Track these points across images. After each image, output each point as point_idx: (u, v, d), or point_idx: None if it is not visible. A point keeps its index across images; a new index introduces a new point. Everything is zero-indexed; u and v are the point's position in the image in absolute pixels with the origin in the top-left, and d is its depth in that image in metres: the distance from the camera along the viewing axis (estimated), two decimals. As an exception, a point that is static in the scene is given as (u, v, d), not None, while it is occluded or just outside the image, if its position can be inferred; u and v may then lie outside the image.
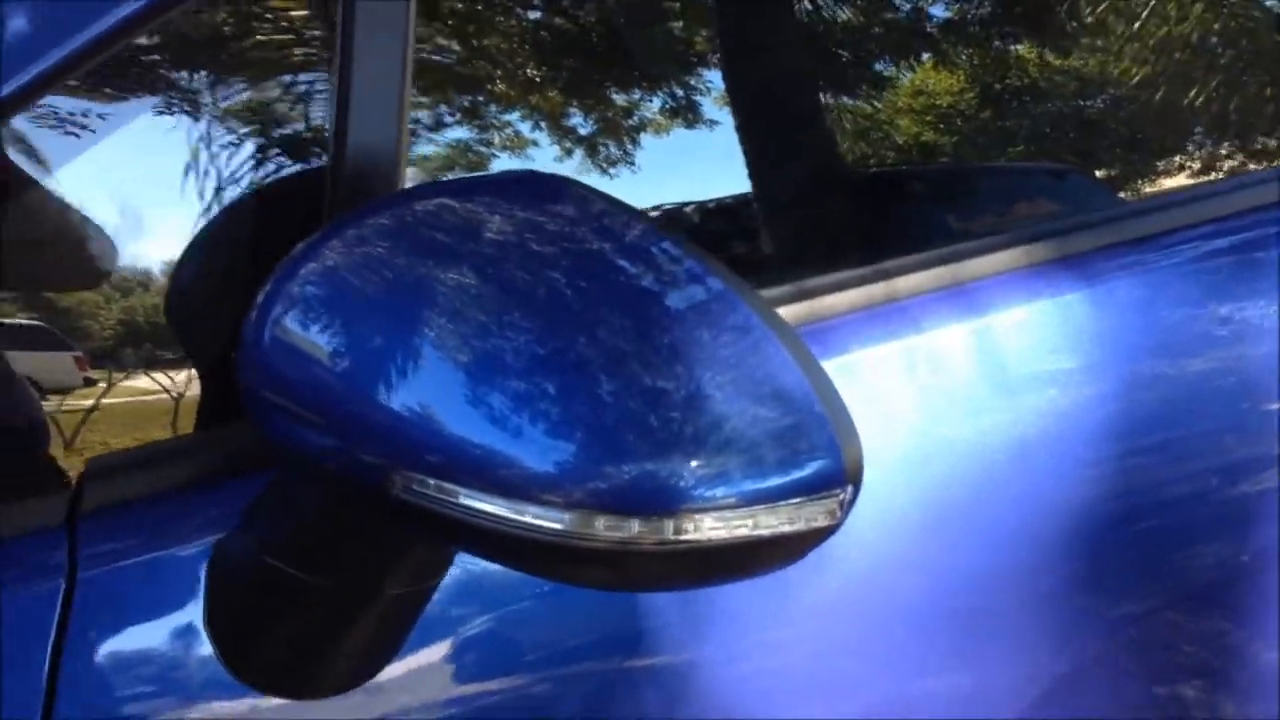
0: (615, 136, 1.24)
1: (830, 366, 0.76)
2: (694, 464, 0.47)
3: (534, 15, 1.23)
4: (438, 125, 1.17)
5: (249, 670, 0.66)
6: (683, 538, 0.48)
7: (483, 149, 1.19)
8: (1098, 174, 1.20)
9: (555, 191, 0.55)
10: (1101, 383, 0.87)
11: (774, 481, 0.49)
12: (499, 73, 1.19)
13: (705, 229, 1.10)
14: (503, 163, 1.22)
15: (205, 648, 0.67)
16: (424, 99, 1.14)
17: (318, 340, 0.52)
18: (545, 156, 1.22)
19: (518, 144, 1.22)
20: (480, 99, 1.19)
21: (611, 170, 1.25)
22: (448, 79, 1.17)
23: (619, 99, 1.24)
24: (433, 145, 1.16)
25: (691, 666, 0.74)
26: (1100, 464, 0.84)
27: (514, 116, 1.23)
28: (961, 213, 1.16)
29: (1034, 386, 0.86)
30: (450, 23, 1.17)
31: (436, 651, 0.71)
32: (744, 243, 1.12)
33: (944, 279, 0.88)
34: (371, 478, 0.51)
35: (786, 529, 0.49)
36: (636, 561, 0.49)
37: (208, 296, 0.82)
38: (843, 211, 1.13)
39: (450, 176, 1.21)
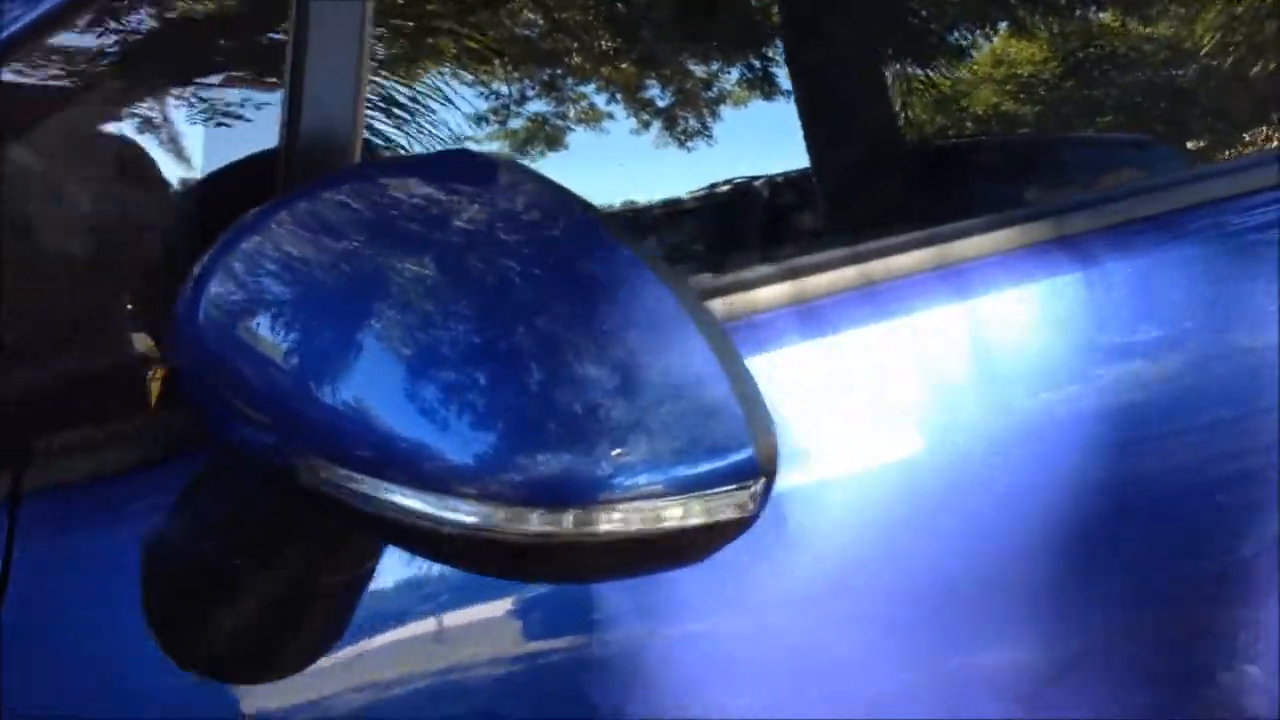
0: (694, 109, 1.24)
1: (815, 347, 0.76)
2: (601, 456, 0.47)
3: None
4: (522, 99, 1.18)
5: (188, 655, 0.64)
6: (586, 530, 0.47)
7: (559, 122, 1.21)
8: (1188, 144, 1.17)
9: (487, 173, 0.54)
10: (1094, 372, 0.85)
11: (684, 473, 0.48)
12: (575, 45, 1.20)
13: (776, 202, 1.10)
14: (579, 136, 1.23)
15: (145, 632, 0.64)
16: (512, 72, 1.15)
17: (244, 320, 0.51)
18: (621, 130, 1.23)
19: (593, 116, 1.23)
20: (558, 72, 1.20)
21: (689, 144, 1.26)
22: (529, 52, 1.18)
23: (698, 70, 1.24)
24: (518, 119, 1.17)
25: (651, 658, 0.72)
26: (1091, 457, 0.82)
27: (590, 89, 1.24)
28: (1042, 185, 1.14)
29: (1022, 375, 0.85)
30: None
31: (376, 643, 0.69)
32: (813, 216, 1.11)
33: (932, 260, 0.86)
34: (289, 468, 0.51)
35: (698, 521, 0.49)
36: (541, 554, 0.48)
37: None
38: (917, 184, 1.12)
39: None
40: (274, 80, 0.76)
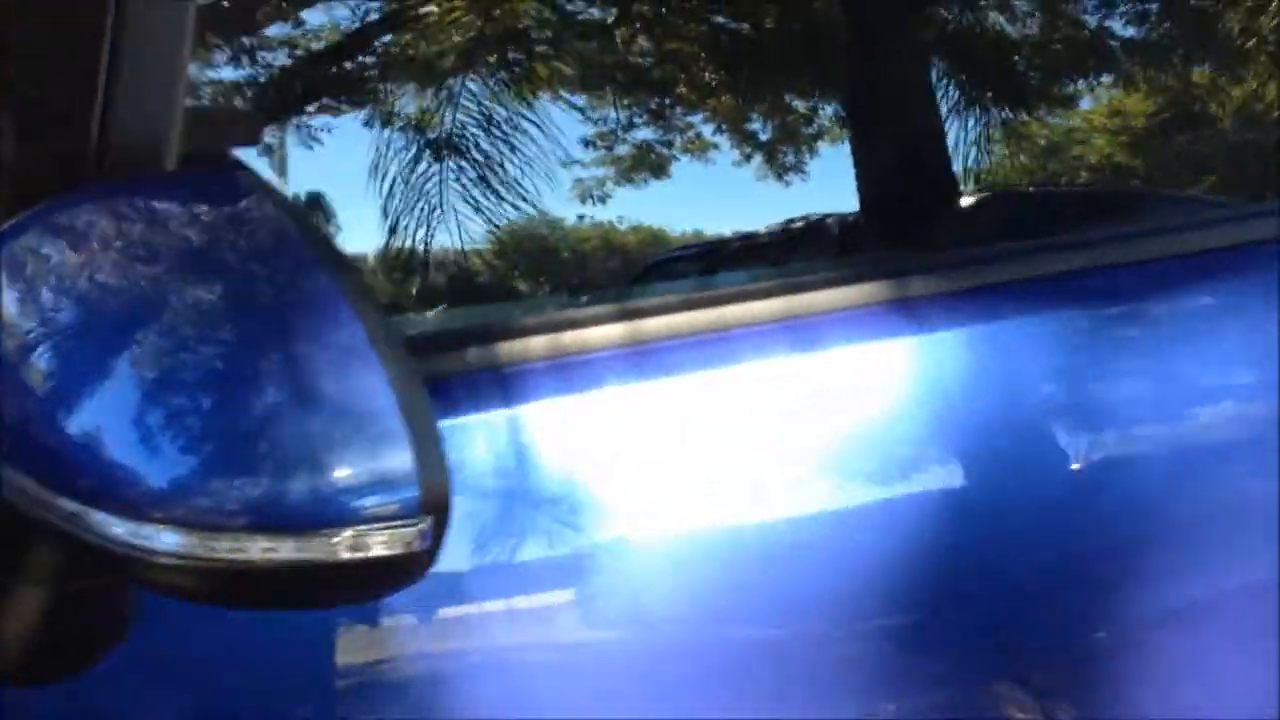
0: (793, 143, 1.26)
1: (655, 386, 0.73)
2: (263, 485, 0.47)
3: (718, 19, 1.26)
4: (629, 125, 1.22)
5: None
6: (239, 558, 0.47)
7: (664, 149, 1.24)
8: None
9: (230, 194, 0.53)
10: (938, 431, 0.80)
11: (350, 505, 0.48)
12: (683, 76, 1.24)
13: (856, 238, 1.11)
14: (682, 165, 1.27)
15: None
16: (622, 99, 1.19)
17: None
18: (725, 160, 1.26)
19: (699, 146, 1.27)
20: (667, 102, 1.23)
21: (787, 178, 1.28)
22: (639, 80, 1.21)
23: (799, 105, 1.26)
24: (624, 145, 1.21)
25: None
26: (923, 531, 0.78)
27: (696, 119, 1.27)
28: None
29: (862, 431, 0.79)
30: (639, 25, 1.22)
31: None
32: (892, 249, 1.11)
33: (783, 310, 0.81)
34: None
35: (364, 555, 0.49)
36: (201, 578, 0.48)
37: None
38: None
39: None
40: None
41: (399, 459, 0.49)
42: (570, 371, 0.75)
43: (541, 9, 1.16)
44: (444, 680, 0.68)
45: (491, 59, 1.09)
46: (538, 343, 0.75)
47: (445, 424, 0.62)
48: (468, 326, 0.82)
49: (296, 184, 1.04)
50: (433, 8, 1.05)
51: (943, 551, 0.77)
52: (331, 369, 0.49)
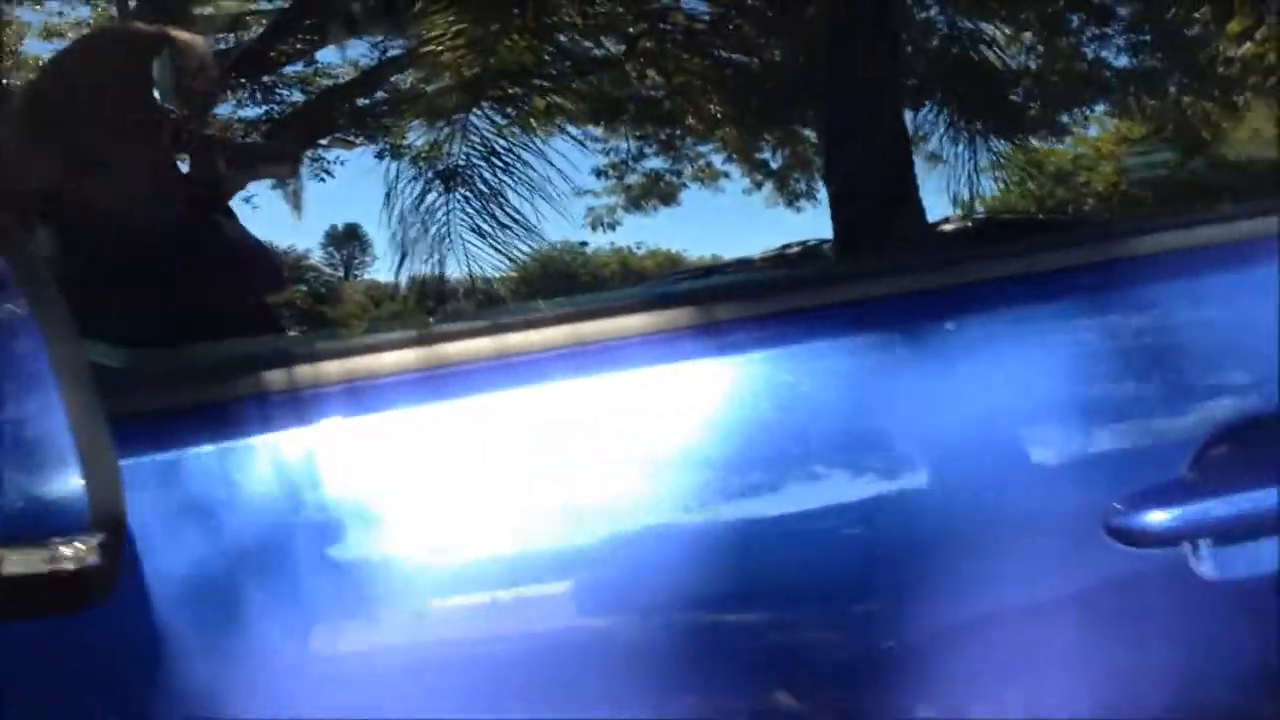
0: (805, 170, 1.30)
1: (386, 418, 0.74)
2: None
3: (722, 54, 1.28)
4: (640, 155, 1.26)
5: None
6: None
7: (674, 178, 1.29)
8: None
9: None
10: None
11: (23, 522, 0.50)
12: (690, 108, 1.27)
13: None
14: (692, 193, 1.31)
15: None
16: (635, 130, 1.22)
17: None
18: (735, 188, 1.31)
19: (709, 175, 1.31)
20: (677, 132, 1.27)
21: (799, 204, 1.33)
22: (649, 113, 1.24)
23: (808, 133, 1.29)
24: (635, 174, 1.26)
25: None
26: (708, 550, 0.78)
27: (706, 149, 1.31)
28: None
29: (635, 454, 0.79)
30: (643, 60, 1.24)
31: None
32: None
33: (566, 338, 0.82)
34: None
35: (38, 570, 0.50)
36: None
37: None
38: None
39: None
40: None
41: (70, 481, 0.51)
42: (359, 395, 0.79)
43: (545, 47, 1.18)
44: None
45: (497, 95, 1.13)
46: (331, 368, 0.81)
47: (238, 445, 0.68)
48: (265, 352, 0.85)
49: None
50: (434, 47, 1.08)
51: (728, 567, 0.80)
52: (13, 395, 0.51)
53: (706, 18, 1.25)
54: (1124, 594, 0.89)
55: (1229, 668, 0.90)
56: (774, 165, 1.33)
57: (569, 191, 1.14)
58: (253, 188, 1.08)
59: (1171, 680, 0.90)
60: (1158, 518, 0.85)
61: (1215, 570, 0.85)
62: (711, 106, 1.27)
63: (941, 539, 0.84)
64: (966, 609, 0.83)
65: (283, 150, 1.03)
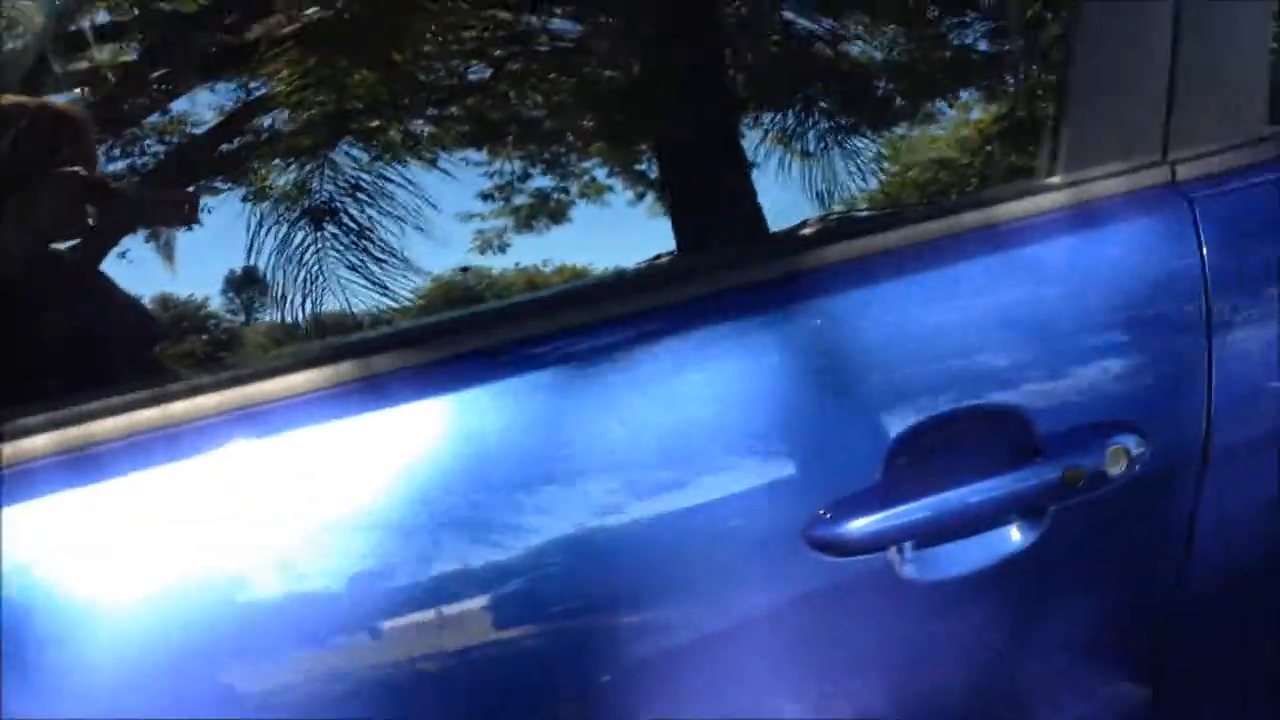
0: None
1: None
2: None
3: (590, 70, 1.28)
4: (525, 175, 1.26)
5: None
6: None
7: (562, 195, 1.29)
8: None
9: None
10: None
11: None
12: (567, 125, 1.27)
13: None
14: (580, 210, 1.31)
15: None
16: (517, 151, 1.22)
17: None
18: (620, 201, 1.30)
19: (595, 189, 1.31)
20: (560, 150, 1.26)
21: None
22: (530, 133, 1.24)
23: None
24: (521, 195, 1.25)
25: None
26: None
27: (589, 164, 1.31)
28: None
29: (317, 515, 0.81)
30: (512, 82, 1.24)
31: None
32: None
33: (236, 401, 0.83)
34: None
35: None
36: None
37: None
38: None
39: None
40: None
41: None
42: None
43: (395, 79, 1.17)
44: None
45: (355, 129, 1.12)
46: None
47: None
48: None
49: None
50: (284, 88, 1.08)
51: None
52: None
53: (573, 36, 1.25)
54: (831, 603, 0.89)
55: (939, 667, 0.91)
56: (651, 175, 1.33)
57: (453, 217, 1.13)
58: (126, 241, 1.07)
59: (885, 682, 0.91)
60: (858, 525, 0.86)
61: (918, 572, 0.87)
62: (585, 123, 1.27)
63: (645, 566, 0.86)
64: (677, 634, 0.85)
65: (178, 196, 1.02)
